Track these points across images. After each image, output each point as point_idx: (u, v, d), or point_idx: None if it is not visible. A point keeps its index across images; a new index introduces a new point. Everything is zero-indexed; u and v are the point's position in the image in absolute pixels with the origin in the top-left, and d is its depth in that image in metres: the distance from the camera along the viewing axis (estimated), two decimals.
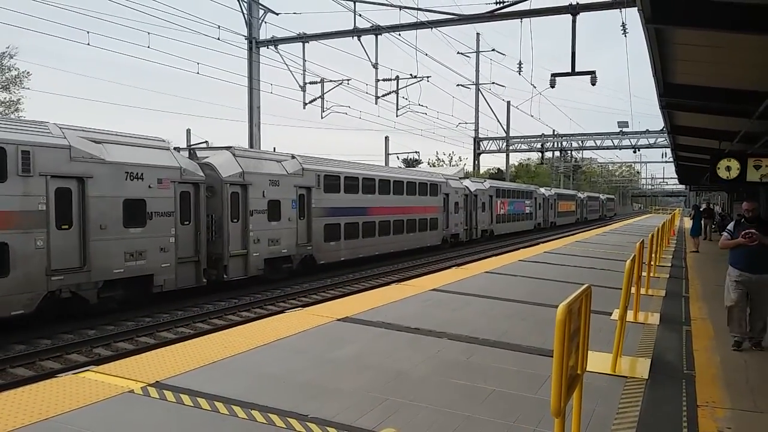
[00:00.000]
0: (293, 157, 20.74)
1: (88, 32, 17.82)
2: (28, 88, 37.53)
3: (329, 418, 4.59)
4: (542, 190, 56.67)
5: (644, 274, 11.06)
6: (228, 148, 18.42)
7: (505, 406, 5.03)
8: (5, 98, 36.56)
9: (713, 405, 5.34)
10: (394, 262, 26.06)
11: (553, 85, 23.26)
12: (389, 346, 6.71)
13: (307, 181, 20.80)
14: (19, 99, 36.92)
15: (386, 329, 7.50)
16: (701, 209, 29.19)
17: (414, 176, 30.25)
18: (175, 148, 17.25)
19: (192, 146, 18.75)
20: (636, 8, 6.10)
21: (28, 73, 36.40)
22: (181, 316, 14.72)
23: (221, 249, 17.33)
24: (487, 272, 13.23)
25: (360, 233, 24.11)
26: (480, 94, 55.91)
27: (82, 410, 4.55)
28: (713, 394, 5.64)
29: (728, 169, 12.82)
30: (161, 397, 4.87)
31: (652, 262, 13.20)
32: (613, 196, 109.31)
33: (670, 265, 16.56)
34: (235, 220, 17.76)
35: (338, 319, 7.93)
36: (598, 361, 6.14)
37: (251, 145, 27.26)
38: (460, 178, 38.32)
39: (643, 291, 10.41)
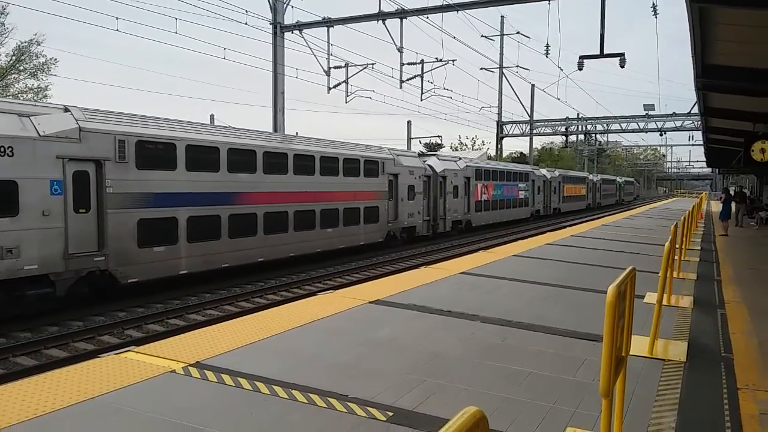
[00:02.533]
0: (66, 110, 13.28)
1: (117, 18, 17.94)
2: (56, 75, 38.01)
3: (370, 398, 4.61)
4: (543, 171, 49.76)
5: (675, 257, 10.93)
6: None
7: (544, 388, 5.01)
8: (33, 85, 37.10)
9: (754, 388, 5.28)
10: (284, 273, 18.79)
11: (581, 68, 23.03)
12: (423, 329, 6.71)
13: (92, 149, 13.27)
14: (47, 86, 37.45)
15: (418, 312, 7.51)
16: (732, 193, 28.06)
17: (333, 149, 21.88)
18: None
19: None
20: None
21: (55, 60, 36.86)
22: (209, 299, 14.90)
23: None
24: (515, 255, 13.17)
25: (224, 231, 16.72)
26: (504, 77, 55.43)
27: (127, 389, 4.62)
28: (753, 377, 5.57)
29: (763, 151, 12.62)
30: (203, 377, 4.93)
31: (683, 246, 13.04)
32: (632, 179, 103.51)
33: (699, 248, 16.36)
34: None
35: (370, 302, 7.95)
36: (635, 344, 6.07)
37: (275, 130, 27.31)
38: (437, 157, 30.84)
39: (674, 274, 10.29)
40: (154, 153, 14.90)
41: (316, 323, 6.77)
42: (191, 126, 16.43)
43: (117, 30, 19.11)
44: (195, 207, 15.85)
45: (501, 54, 55.43)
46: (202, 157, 16.21)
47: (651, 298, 8.37)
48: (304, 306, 7.70)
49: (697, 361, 5.99)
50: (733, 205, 22.67)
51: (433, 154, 31.32)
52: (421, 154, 30.03)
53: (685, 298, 9.15)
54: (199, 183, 16.02)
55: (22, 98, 35.32)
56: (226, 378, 4.92)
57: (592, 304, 8.44)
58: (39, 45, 36.01)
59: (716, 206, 49.63)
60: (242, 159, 17.54)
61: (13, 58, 35.82)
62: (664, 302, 8.48)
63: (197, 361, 5.30)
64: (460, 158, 33.65)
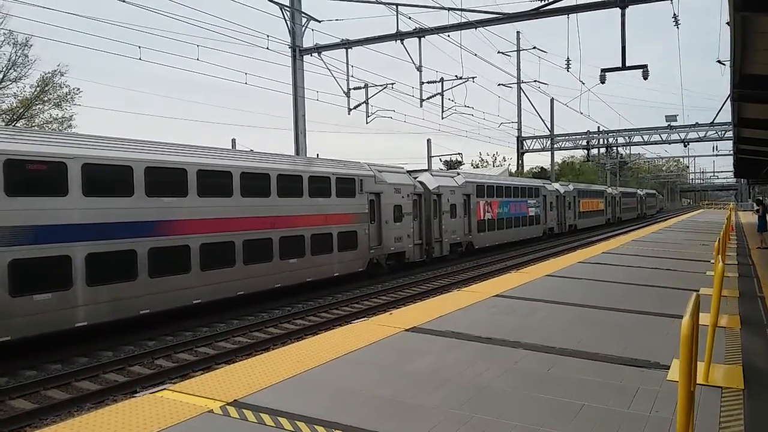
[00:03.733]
0: None
1: (140, 47, 18.07)
2: (80, 105, 38.56)
3: None
4: (555, 185, 46.15)
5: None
6: None
7: (599, 422, 4.74)
8: (58, 115, 37.67)
9: None
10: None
11: (603, 81, 22.76)
12: (464, 358, 6.47)
13: None
14: (72, 116, 38.01)
15: (457, 339, 7.27)
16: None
17: (294, 166, 18.82)
18: None
19: None
20: None
21: (78, 89, 37.39)
22: (237, 326, 14.77)
23: None
24: (548, 275, 12.87)
25: (142, 269, 13.57)
26: (523, 92, 55.36)
27: None
28: None
29: None
30: (241, 417, 4.74)
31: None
32: (654, 191, 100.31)
33: (736, 263, 15.91)
34: None
35: (406, 330, 7.72)
36: None
37: (297, 153, 27.34)
38: (432, 174, 28.05)
39: None
40: (34, 175, 11.99)
41: (353, 354, 6.55)
42: (89, 141, 13.44)
43: (140, 59, 19.25)
44: (98, 241, 12.77)
45: (518, 69, 55.59)
46: (108, 178, 13.23)
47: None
48: (339, 336, 7.49)
49: (755, 388, 5.68)
50: None
51: (426, 170, 28.09)
52: (411, 171, 26.88)
53: (732, 317, 8.80)
54: (103, 211, 12.96)
55: (47, 128, 35.88)
56: (266, 418, 4.72)
57: (634, 326, 8.14)
58: (63, 75, 36.64)
59: (744, 217, 48.74)
60: (167, 180, 14.40)
61: (38, 89, 36.43)
62: (709, 322, 8.16)
63: (235, 399, 5.10)
64: (458, 173, 30.89)
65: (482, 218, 31.29)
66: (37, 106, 36.96)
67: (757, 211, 22.69)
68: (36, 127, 35.21)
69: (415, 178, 25.93)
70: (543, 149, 58.41)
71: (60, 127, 36.65)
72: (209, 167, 15.64)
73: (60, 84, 36.80)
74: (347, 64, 27.23)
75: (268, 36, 21.92)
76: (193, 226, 14.97)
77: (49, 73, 36.39)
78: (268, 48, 22.63)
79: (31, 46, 34.98)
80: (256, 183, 16.88)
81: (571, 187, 49.18)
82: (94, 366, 11.53)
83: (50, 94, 36.84)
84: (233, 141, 33.07)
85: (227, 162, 16.31)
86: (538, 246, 36.52)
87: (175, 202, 14.58)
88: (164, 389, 5.36)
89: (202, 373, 7.42)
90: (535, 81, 60.32)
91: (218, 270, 15.55)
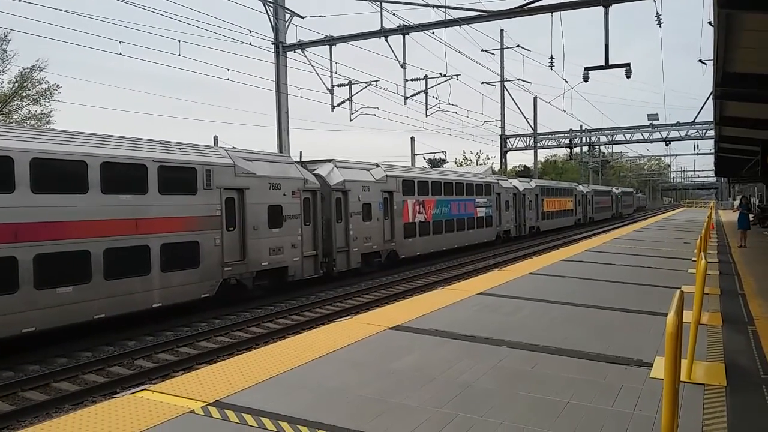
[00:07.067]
0: None
1: (120, 42, 17.85)
2: (59, 101, 38.09)
3: None
4: (514, 182, 40.78)
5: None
6: None
7: (584, 420, 4.73)
8: (37, 111, 37.14)
9: None
10: None
11: (586, 79, 22.85)
12: (448, 356, 6.44)
13: None
14: (50, 111, 37.50)
15: (441, 337, 7.24)
16: (761, 205, 26.25)
17: (75, 147, 12.56)
18: None
19: None
20: None
21: (57, 85, 36.88)
22: (219, 325, 14.63)
23: None
24: (531, 273, 12.90)
25: None
26: (506, 90, 55.46)
27: None
28: None
29: None
30: (224, 418, 4.66)
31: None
32: (631, 189, 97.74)
33: (717, 260, 16.04)
34: None
35: (390, 328, 7.68)
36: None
37: (280, 151, 27.18)
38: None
39: None
40: None
41: (336, 353, 6.50)
42: None
43: (120, 54, 19.03)
44: None
45: (502, 67, 55.57)
46: None
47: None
48: (322, 334, 7.43)
49: (737, 385, 5.70)
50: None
51: (330, 160, 22.00)
52: (308, 162, 21.39)
53: (713, 314, 8.85)
54: None
55: (26, 125, 35.37)
56: (248, 418, 4.65)
57: (617, 323, 8.17)
58: (41, 71, 36.13)
59: (725, 216, 49.31)
60: None
61: (16, 84, 35.92)
62: (691, 320, 8.20)
63: (216, 400, 5.03)
64: (377, 165, 24.54)
65: (411, 221, 25.88)
66: (15, 102, 36.44)
67: (739, 208, 22.87)
68: (14, 123, 34.71)
69: (314, 170, 20.79)
70: (526, 147, 58.52)
71: (38, 124, 36.17)
72: None
73: (39, 80, 36.36)
74: (331, 60, 27.10)
75: (250, 32, 21.80)
76: None
77: (27, 68, 35.94)
78: (250, 44, 22.45)
79: (10, 41, 34.52)
80: None
81: (532, 184, 43.89)
82: (73, 366, 11.36)
83: (29, 89, 36.37)
84: (215, 138, 32.77)
85: None
86: (487, 253, 31.39)
87: None
88: (144, 389, 5.27)
89: (183, 373, 7.34)
90: (518, 79, 60.43)
91: None
